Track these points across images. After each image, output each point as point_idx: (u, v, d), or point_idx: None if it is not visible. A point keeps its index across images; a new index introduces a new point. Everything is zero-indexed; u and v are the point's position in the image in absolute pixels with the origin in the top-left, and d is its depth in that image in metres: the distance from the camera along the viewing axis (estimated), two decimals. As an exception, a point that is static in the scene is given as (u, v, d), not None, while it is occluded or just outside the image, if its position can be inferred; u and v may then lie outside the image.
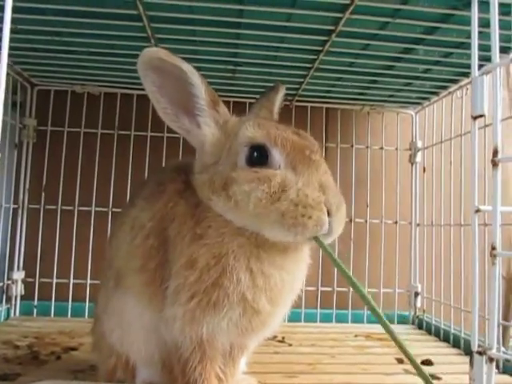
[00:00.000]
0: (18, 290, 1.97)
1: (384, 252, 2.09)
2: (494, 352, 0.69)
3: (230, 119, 0.96)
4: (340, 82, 1.86)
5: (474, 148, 0.75)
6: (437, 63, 1.63)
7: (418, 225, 2.09)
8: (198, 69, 1.69)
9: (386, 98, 2.04)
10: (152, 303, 0.93)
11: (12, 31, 1.44)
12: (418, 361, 1.53)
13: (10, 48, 1.63)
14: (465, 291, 1.73)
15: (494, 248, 0.70)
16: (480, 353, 0.71)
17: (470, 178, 0.75)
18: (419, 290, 2.07)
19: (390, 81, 1.81)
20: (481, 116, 0.74)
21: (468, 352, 1.61)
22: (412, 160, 2.12)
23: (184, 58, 1.64)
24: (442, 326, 1.85)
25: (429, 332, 1.95)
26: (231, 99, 1.96)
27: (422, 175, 2.07)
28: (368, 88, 1.92)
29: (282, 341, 1.73)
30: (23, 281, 1.98)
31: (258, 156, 0.86)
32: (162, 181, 1.05)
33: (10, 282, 1.94)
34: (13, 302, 1.95)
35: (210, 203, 0.88)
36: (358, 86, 1.91)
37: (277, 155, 0.86)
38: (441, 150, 1.90)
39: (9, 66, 1.81)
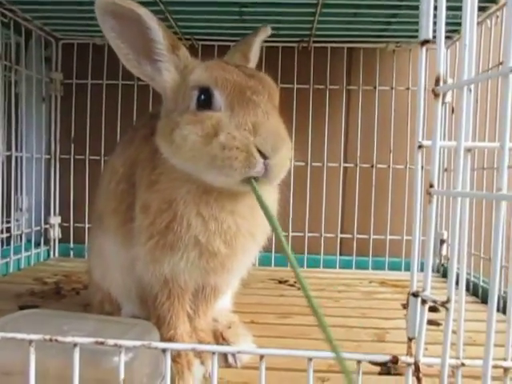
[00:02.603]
0: (56, 233, 2.15)
1: (408, 198, 2.00)
2: (426, 294, 0.66)
3: (190, 63, 0.94)
4: (357, 18, 1.74)
5: (421, 78, 0.68)
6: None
7: (446, 170, 1.97)
8: (205, 13, 1.72)
9: (412, 34, 1.88)
10: (125, 243, 0.99)
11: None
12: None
13: (24, 2, 1.71)
14: (485, 238, 1.63)
15: (431, 186, 0.65)
16: (414, 295, 0.68)
17: (417, 111, 0.69)
18: (445, 237, 1.98)
19: (412, 13, 1.66)
20: (427, 42, 0.67)
21: (484, 300, 1.59)
22: (441, 100, 1.96)
23: (186, 3, 1.64)
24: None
25: (451, 280, 1.87)
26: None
27: (451, 117, 1.92)
28: (389, 23, 1.78)
29: (293, 285, 1.76)
30: (60, 225, 2.16)
31: (205, 99, 0.85)
32: (137, 127, 1.08)
33: (47, 226, 2.12)
34: (52, 245, 2.14)
35: (161, 149, 0.89)
36: (379, 22, 1.78)
37: (218, 97, 0.85)
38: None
39: (28, 21, 1.88)
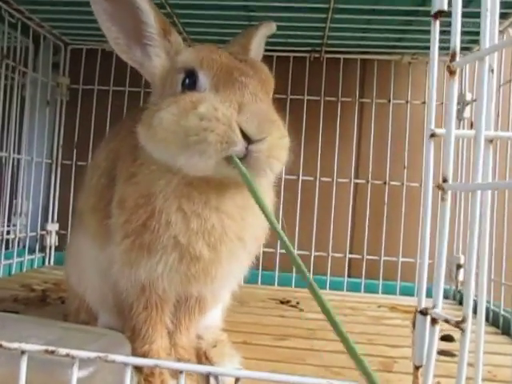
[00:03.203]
0: (53, 240, 2.07)
1: (422, 218, 1.87)
2: (436, 311, 0.54)
3: (181, 49, 0.87)
4: (370, 26, 1.66)
5: (434, 55, 0.58)
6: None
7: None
8: (213, 18, 1.66)
9: (429, 44, 1.79)
10: (103, 243, 0.90)
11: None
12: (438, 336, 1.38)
13: (32, 2, 1.68)
14: (507, 262, 1.49)
15: (445, 180, 0.55)
16: (423, 312, 0.57)
17: (429, 95, 0.59)
18: (462, 261, 1.83)
19: (429, 20, 1.56)
20: (442, 13, 0.58)
21: (506, 331, 1.44)
22: (460, 116, 1.85)
23: (194, 5, 1.59)
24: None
25: (468, 309, 1.73)
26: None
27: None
28: (405, 31, 1.70)
29: (295, 306, 1.64)
30: (57, 232, 2.08)
31: (190, 82, 0.79)
32: (124, 120, 1.01)
33: (44, 232, 2.05)
34: (47, 252, 2.06)
35: (139, 138, 0.81)
36: (393, 30, 1.69)
37: (203, 78, 0.77)
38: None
39: (37, 24, 1.86)
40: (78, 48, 2.08)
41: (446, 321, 0.53)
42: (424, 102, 1.90)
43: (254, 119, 0.70)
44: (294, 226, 1.90)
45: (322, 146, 1.93)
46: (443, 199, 0.55)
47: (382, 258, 1.91)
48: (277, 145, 0.73)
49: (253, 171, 0.71)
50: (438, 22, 0.58)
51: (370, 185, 1.93)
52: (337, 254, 1.94)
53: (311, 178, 1.93)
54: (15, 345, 0.62)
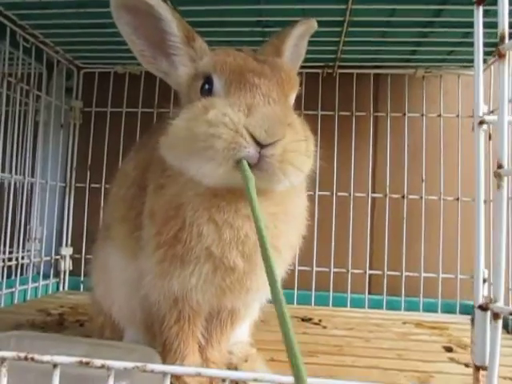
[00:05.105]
0: (67, 265, 2.04)
1: (443, 232, 1.84)
2: (499, 305, 0.51)
3: (205, 55, 0.86)
4: (385, 39, 1.66)
5: (479, 40, 0.57)
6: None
7: (485, 201, 1.80)
8: (227, 35, 1.67)
9: (443, 57, 1.80)
10: (133, 255, 0.88)
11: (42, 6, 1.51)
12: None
13: (46, 26, 1.70)
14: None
15: (500, 166, 0.52)
16: (482, 307, 0.53)
17: (475, 78, 0.58)
18: (486, 275, 1.78)
19: (445, 31, 1.56)
20: (484, 0, 0.57)
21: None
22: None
23: (206, 22, 1.60)
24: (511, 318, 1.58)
25: (496, 324, 1.67)
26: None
27: (488, 144, 1.78)
28: (420, 44, 1.70)
29: (317, 323, 1.59)
30: (71, 257, 2.05)
31: (208, 88, 0.78)
32: (152, 130, 1.00)
33: (58, 257, 2.02)
34: (61, 277, 2.03)
35: (160, 147, 0.79)
36: (408, 43, 1.70)
37: (217, 82, 0.77)
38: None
39: (51, 48, 1.88)
40: (90, 72, 2.10)
41: (513, 315, 0.49)
42: (440, 115, 1.88)
43: (263, 122, 0.67)
44: (311, 242, 1.86)
45: (337, 161, 1.90)
46: (500, 186, 0.52)
47: (404, 274, 1.86)
48: (292, 149, 0.69)
49: (265, 177, 0.69)
50: (481, 8, 0.57)
51: (387, 199, 1.90)
52: (357, 271, 1.90)
53: (328, 193, 1.90)
54: (47, 357, 0.59)
